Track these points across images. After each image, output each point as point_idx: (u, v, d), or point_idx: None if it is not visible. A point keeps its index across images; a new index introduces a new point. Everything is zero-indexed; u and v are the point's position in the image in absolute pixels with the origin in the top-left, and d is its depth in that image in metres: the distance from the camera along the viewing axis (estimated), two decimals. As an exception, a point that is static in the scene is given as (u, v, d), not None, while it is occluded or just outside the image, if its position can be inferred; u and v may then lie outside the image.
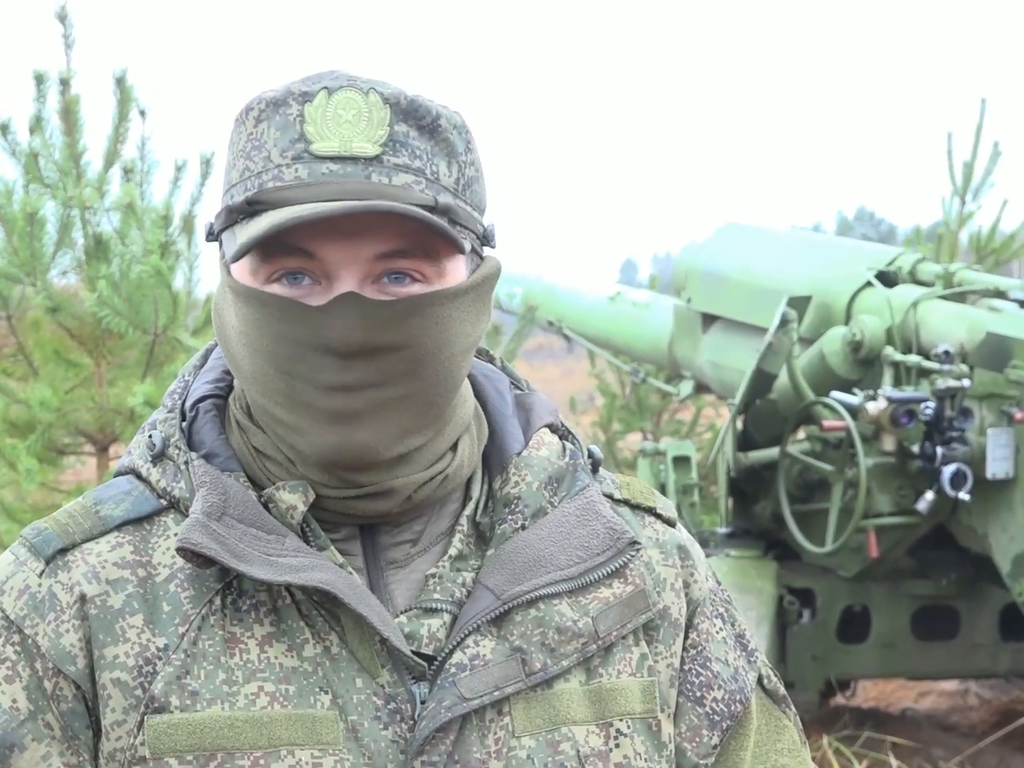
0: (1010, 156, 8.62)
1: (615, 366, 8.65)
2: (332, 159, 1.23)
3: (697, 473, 6.61)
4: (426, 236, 1.24)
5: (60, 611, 1.27)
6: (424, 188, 1.24)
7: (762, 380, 5.90)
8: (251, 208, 1.24)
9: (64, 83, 5.50)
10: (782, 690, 1.46)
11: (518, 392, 1.44)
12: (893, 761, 5.80)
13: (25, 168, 5.51)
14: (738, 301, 6.63)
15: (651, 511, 1.42)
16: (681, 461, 6.58)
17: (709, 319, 6.93)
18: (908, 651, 6.09)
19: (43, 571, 1.29)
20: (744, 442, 6.19)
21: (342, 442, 1.25)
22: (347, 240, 1.23)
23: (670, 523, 1.43)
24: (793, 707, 1.47)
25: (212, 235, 1.32)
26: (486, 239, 1.32)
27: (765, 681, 1.44)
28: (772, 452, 5.96)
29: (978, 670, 6.32)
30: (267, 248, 1.23)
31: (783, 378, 5.86)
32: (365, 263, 1.24)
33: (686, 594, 1.40)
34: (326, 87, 1.25)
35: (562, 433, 1.41)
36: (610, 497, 1.40)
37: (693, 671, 1.39)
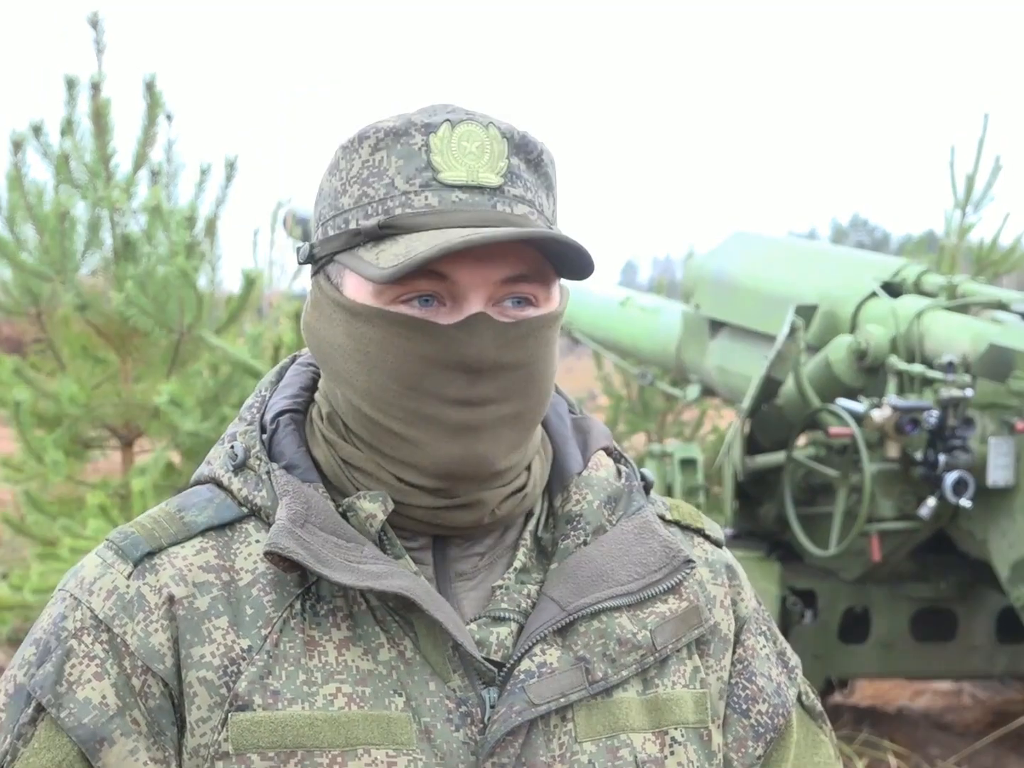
0: (1010, 170, 8.70)
1: (622, 368, 8.72)
2: (460, 188, 1.28)
3: (703, 475, 6.71)
4: (541, 262, 1.30)
5: (149, 611, 1.31)
6: (537, 219, 1.30)
7: (769, 386, 5.95)
8: (382, 232, 1.28)
9: (95, 87, 5.60)
10: (819, 706, 1.51)
11: (574, 416, 1.48)
12: (892, 760, 5.88)
13: (56, 169, 5.62)
14: (746, 308, 6.68)
15: (700, 532, 1.48)
16: (687, 463, 6.66)
17: (717, 325, 6.97)
18: (907, 652, 6.12)
19: (131, 573, 1.33)
20: (749, 446, 6.20)
21: (463, 454, 1.29)
22: (479, 264, 1.27)
23: (717, 544, 1.49)
24: (829, 723, 1.52)
25: (312, 258, 1.35)
26: None
27: (804, 697, 1.49)
28: (777, 456, 6.01)
29: (975, 671, 6.34)
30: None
31: (789, 384, 5.91)
32: (492, 286, 1.28)
33: (734, 611, 1.45)
34: (448, 119, 1.29)
35: (616, 456, 1.47)
36: (661, 518, 1.45)
37: (740, 685, 1.44)
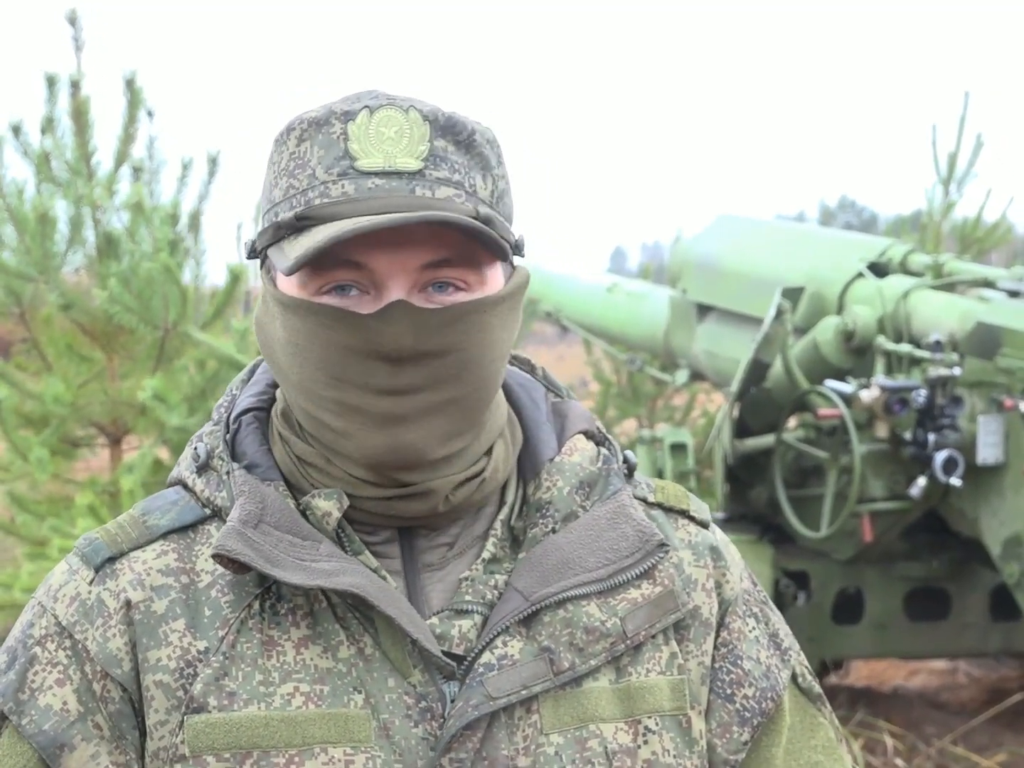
0: (992, 148, 8.69)
1: (611, 354, 8.72)
2: (377, 174, 1.26)
3: (693, 459, 6.71)
4: (469, 245, 1.27)
5: (107, 617, 1.32)
6: (464, 200, 1.28)
7: (758, 369, 5.96)
8: (300, 224, 1.27)
9: (75, 85, 5.59)
10: (817, 688, 1.48)
11: (556, 400, 1.47)
12: (888, 740, 5.90)
13: (37, 168, 5.61)
14: (733, 291, 6.70)
15: (684, 513, 1.45)
16: (678, 448, 6.68)
17: (704, 309, 7.00)
18: (901, 632, 6.13)
19: (93, 579, 1.34)
20: (739, 429, 6.21)
21: (391, 444, 1.28)
22: (395, 251, 1.26)
23: (703, 525, 1.46)
24: (829, 705, 1.48)
25: (255, 252, 1.34)
26: (517, 248, 1.35)
27: (800, 679, 1.46)
28: (767, 439, 6.02)
29: (969, 649, 6.36)
30: (318, 261, 1.25)
31: (777, 367, 5.92)
32: (412, 273, 1.27)
33: (718, 594, 1.42)
34: (367, 106, 1.28)
35: (598, 439, 1.44)
36: (644, 500, 1.43)
37: (724, 669, 1.41)
